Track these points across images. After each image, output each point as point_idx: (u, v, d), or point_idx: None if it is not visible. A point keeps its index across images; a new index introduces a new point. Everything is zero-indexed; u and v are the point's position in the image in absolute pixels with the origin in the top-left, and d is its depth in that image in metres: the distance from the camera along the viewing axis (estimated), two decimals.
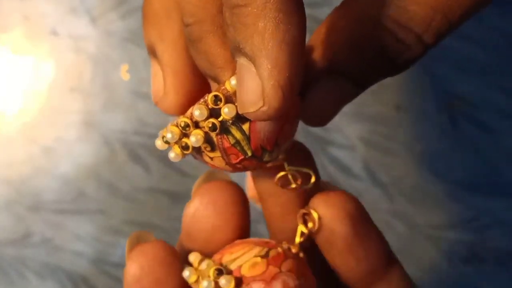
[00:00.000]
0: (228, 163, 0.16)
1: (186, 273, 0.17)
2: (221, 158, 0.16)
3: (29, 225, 0.38)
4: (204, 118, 0.15)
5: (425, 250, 0.37)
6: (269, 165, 0.17)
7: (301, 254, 0.18)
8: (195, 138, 0.16)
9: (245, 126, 0.16)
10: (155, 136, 0.39)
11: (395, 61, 0.16)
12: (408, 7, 0.15)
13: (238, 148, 0.16)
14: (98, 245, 0.37)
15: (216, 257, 0.17)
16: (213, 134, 0.16)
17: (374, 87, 0.18)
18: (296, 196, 0.18)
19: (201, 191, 0.18)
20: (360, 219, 0.18)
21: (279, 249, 0.17)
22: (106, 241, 0.37)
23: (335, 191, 0.18)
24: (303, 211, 0.18)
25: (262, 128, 0.16)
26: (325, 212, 0.17)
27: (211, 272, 0.16)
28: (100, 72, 0.37)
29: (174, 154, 0.17)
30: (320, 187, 0.18)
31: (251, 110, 0.14)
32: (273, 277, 0.17)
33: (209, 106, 0.15)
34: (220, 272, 0.16)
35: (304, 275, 0.18)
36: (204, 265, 0.17)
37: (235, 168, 0.17)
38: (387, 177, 0.37)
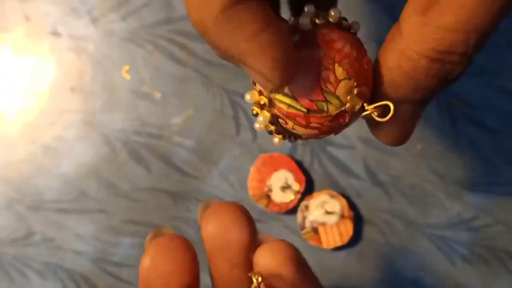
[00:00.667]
0: (306, 126, 0.18)
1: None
2: (298, 126, 0.18)
3: (30, 224, 0.38)
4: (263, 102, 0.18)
5: (425, 250, 0.37)
6: (336, 113, 0.18)
7: None
8: (262, 117, 0.18)
9: (286, 89, 0.18)
10: (155, 136, 0.40)
11: (449, 79, 0.19)
12: (446, 36, 0.17)
13: (294, 109, 0.18)
14: (99, 245, 0.37)
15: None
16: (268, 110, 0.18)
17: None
18: (241, 251, 0.19)
19: (154, 243, 0.19)
20: (302, 262, 0.20)
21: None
22: (107, 240, 0.37)
23: (275, 241, 0.20)
24: (250, 275, 0.19)
25: (300, 84, 0.18)
26: (271, 261, 0.19)
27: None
28: (101, 72, 0.37)
29: (277, 139, 0.19)
30: (259, 240, 0.20)
31: (269, 89, 0.17)
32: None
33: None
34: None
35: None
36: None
37: (313, 129, 0.19)
38: (387, 177, 0.37)
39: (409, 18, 0.18)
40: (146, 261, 0.19)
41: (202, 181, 0.37)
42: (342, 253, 0.36)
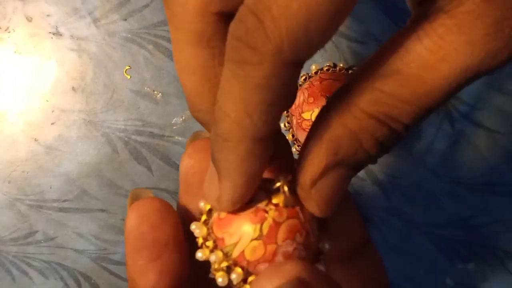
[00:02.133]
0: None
1: (193, 226, 0.19)
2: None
3: (32, 223, 0.38)
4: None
5: (424, 248, 0.37)
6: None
7: (285, 203, 0.19)
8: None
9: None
10: (156, 135, 0.40)
11: (385, 145, 0.18)
12: (398, 105, 0.18)
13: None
14: (100, 243, 0.38)
15: (218, 239, 0.19)
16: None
17: None
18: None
19: (192, 145, 0.21)
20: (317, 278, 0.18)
21: (270, 220, 0.19)
22: (108, 239, 0.38)
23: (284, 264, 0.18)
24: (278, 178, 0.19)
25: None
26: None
27: (221, 274, 0.18)
28: (102, 72, 0.37)
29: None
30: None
31: (211, 203, 0.19)
32: (273, 254, 0.18)
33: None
34: (229, 269, 0.18)
35: (297, 229, 0.19)
36: (213, 257, 0.18)
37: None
38: (385, 176, 0.37)
39: (364, 81, 0.18)
40: (185, 160, 0.21)
41: None
42: None
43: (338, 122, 0.18)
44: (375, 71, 0.18)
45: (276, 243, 0.19)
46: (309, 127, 0.35)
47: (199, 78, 0.19)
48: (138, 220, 0.19)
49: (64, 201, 0.38)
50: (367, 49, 0.36)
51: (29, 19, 0.38)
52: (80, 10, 0.37)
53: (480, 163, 0.36)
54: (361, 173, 0.37)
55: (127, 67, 0.37)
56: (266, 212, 0.19)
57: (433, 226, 0.37)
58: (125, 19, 0.37)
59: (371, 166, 0.37)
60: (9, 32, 0.38)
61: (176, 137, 0.37)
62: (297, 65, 0.16)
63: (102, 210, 0.38)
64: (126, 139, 0.37)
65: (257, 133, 0.17)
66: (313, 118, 0.34)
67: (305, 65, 0.38)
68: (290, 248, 0.19)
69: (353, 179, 0.37)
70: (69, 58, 0.37)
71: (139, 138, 0.37)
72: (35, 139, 0.38)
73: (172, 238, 0.20)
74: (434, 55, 0.17)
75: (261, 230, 0.19)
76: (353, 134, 0.18)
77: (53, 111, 0.38)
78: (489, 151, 0.36)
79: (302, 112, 0.35)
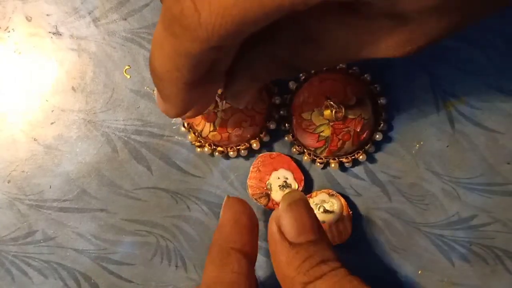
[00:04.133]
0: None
1: (182, 129, 0.33)
2: None
3: (31, 223, 0.38)
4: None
5: (423, 249, 0.37)
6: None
7: None
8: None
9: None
10: (156, 135, 0.40)
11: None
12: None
13: None
14: (100, 243, 0.38)
15: (193, 127, 0.34)
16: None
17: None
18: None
19: None
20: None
21: (219, 120, 0.34)
22: (107, 239, 0.38)
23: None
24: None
25: None
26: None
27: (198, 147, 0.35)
28: (102, 72, 0.37)
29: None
30: None
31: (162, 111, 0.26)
32: (228, 137, 0.35)
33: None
34: (201, 145, 0.35)
35: (243, 119, 0.35)
36: (189, 137, 0.33)
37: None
38: (385, 176, 0.37)
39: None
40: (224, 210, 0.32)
41: (202, 180, 0.37)
42: (341, 252, 0.37)
43: None
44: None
45: (227, 131, 0.34)
46: (309, 127, 0.36)
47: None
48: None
49: (64, 200, 0.38)
50: None
51: (29, 19, 0.38)
52: (80, 9, 0.37)
53: (480, 163, 0.36)
54: (361, 173, 0.37)
55: (127, 67, 0.37)
56: (216, 113, 0.34)
57: (433, 226, 0.37)
58: (125, 19, 0.37)
59: (371, 166, 0.37)
60: (8, 31, 0.38)
61: (176, 137, 0.37)
62: (219, 48, 0.20)
63: (102, 210, 0.38)
64: (125, 138, 0.37)
65: (186, 81, 0.22)
66: (313, 118, 0.34)
67: None
68: (239, 132, 0.34)
69: (353, 179, 0.37)
70: (68, 58, 0.37)
71: (138, 138, 0.37)
72: (35, 138, 0.38)
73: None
74: None
75: (214, 126, 0.34)
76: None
77: (52, 111, 0.38)
78: (489, 151, 0.36)
79: (302, 112, 0.34)
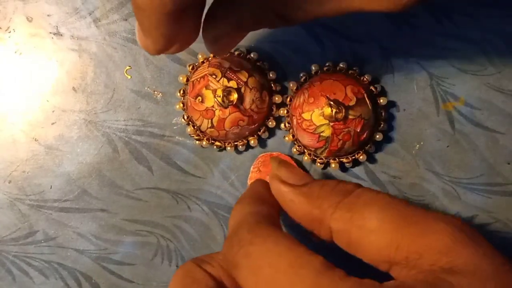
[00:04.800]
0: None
1: (178, 119, 0.33)
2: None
3: (32, 223, 0.38)
4: None
5: None
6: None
7: None
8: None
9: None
10: (157, 135, 0.40)
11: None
12: None
13: None
14: (101, 243, 0.38)
15: (193, 121, 0.34)
16: None
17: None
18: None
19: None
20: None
21: (216, 118, 0.35)
22: (108, 239, 0.38)
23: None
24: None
25: None
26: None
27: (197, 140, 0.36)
28: (103, 72, 0.37)
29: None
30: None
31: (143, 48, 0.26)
32: (225, 135, 0.36)
33: None
34: (199, 138, 0.37)
35: (240, 118, 0.35)
36: (188, 129, 0.34)
37: None
38: (385, 176, 0.37)
39: None
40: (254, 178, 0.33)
41: (203, 180, 0.37)
42: (342, 252, 0.37)
43: None
44: None
45: (225, 129, 0.35)
46: (309, 127, 0.36)
47: None
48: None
49: (65, 201, 0.38)
50: (367, 49, 0.36)
51: (30, 19, 0.38)
52: (81, 10, 0.37)
53: (480, 163, 0.36)
54: (361, 173, 0.37)
55: (128, 67, 0.37)
56: (214, 112, 0.34)
57: None
58: (126, 19, 0.37)
59: (371, 166, 0.37)
60: (9, 32, 0.38)
61: (177, 137, 0.37)
62: None
63: (103, 210, 0.38)
64: (126, 139, 0.37)
65: (168, 10, 0.22)
66: (313, 118, 0.34)
67: (305, 65, 0.38)
68: (236, 130, 0.35)
69: (353, 179, 0.37)
70: (69, 58, 0.38)
71: (139, 138, 0.37)
72: (35, 139, 0.38)
73: None
74: None
75: (212, 123, 0.34)
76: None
77: (53, 111, 0.38)
78: (489, 151, 0.36)
79: (302, 112, 0.35)
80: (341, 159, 0.36)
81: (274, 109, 0.36)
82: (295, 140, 0.36)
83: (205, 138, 0.36)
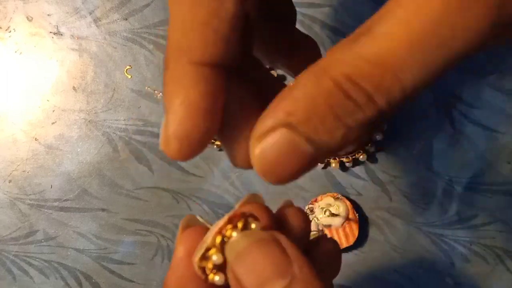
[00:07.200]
0: None
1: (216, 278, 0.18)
2: None
3: (32, 222, 0.38)
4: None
5: (424, 248, 0.37)
6: None
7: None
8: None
9: None
10: (157, 135, 0.40)
11: (344, 120, 0.15)
12: (358, 63, 0.15)
13: None
14: (101, 243, 0.38)
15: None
16: None
17: None
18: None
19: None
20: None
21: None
22: (108, 238, 0.38)
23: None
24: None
25: None
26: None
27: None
28: (103, 72, 0.38)
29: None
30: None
31: (161, 148, 0.18)
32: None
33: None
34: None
35: None
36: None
37: None
38: (385, 176, 0.37)
39: (341, 43, 0.16)
40: (178, 248, 0.20)
41: (203, 180, 0.37)
42: (347, 254, 0.37)
43: (308, 80, 0.16)
44: (352, 35, 0.16)
45: None
46: None
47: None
48: (183, 253, 0.19)
49: (65, 200, 0.38)
50: None
51: (30, 19, 0.38)
52: (81, 9, 0.37)
53: (480, 163, 0.36)
54: (362, 173, 0.37)
55: (128, 67, 0.37)
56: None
57: (433, 226, 0.37)
58: (126, 19, 0.37)
59: (371, 166, 0.37)
60: (9, 31, 0.38)
61: None
62: None
63: (103, 210, 0.38)
64: (126, 138, 0.37)
65: (195, 54, 0.17)
66: None
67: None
68: None
69: (353, 179, 0.37)
70: (69, 58, 0.38)
71: (139, 138, 0.37)
72: (36, 138, 0.38)
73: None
74: (410, 13, 0.15)
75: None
76: (308, 98, 0.15)
77: (53, 111, 0.38)
78: (489, 151, 0.36)
79: None
80: (342, 159, 0.36)
81: None
82: None
83: None
